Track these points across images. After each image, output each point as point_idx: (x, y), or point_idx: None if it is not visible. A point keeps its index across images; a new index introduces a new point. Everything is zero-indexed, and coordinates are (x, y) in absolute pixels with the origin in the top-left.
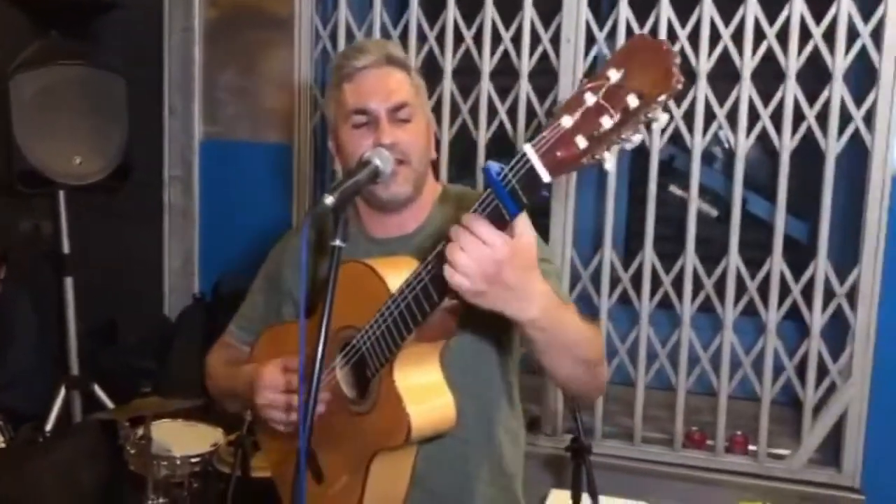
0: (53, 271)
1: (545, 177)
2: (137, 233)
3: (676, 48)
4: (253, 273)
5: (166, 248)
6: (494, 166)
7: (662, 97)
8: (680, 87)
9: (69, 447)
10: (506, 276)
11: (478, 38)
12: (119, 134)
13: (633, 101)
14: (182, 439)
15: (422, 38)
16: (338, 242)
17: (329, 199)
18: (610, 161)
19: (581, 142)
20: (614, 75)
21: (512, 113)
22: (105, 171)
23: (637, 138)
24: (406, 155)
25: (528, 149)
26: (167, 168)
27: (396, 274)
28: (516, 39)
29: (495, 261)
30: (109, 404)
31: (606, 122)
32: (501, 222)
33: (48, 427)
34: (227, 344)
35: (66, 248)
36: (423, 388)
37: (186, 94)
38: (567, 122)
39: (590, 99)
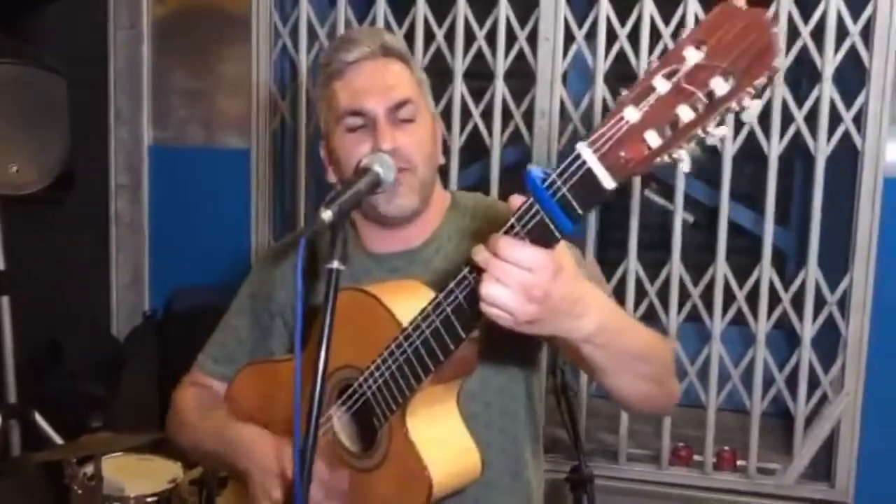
0: None
1: (607, 182)
2: (81, 246)
3: (659, 47)
4: (209, 288)
5: (113, 262)
6: (537, 172)
7: (760, 80)
8: (779, 66)
9: (6, 486)
10: (555, 297)
11: (450, 37)
12: (60, 139)
13: (720, 85)
14: (136, 476)
15: None
16: (335, 265)
17: (326, 214)
18: (687, 161)
19: (652, 138)
20: (693, 55)
21: (487, 116)
22: (45, 179)
23: (721, 131)
24: (410, 161)
25: (584, 148)
26: (113, 176)
27: (405, 303)
28: (491, 38)
29: (540, 285)
30: (53, 434)
31: (685, 114)
32: (549, 241)
33: None
34: (197, 383)
35: (1, 265)
36: (443, 438)
37: (134, 97)
38: (633, 114)
39: (662, 85)
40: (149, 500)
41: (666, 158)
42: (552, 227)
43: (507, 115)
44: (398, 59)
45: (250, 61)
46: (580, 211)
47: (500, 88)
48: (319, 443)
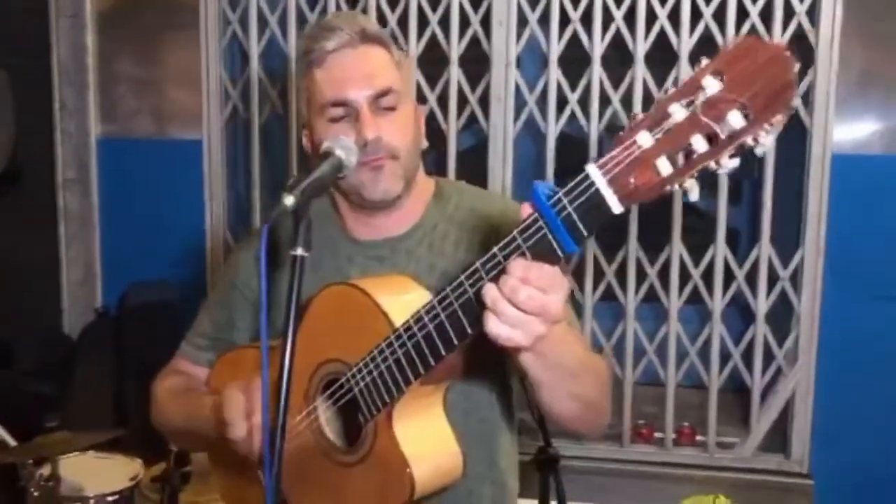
0: None
1: (615, 207)
2: (30, 242)
3: (612, 31)
4: (164, 282)
5: (63, 258)
6: (543, 188)
7: (777, 117)
8: (795, 105)
9: None
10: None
11: (403, 22)
12: (5, 134)
13: (737, 119)
14: (95, 475)
15: None
16: (299, 252)
17: (289, 200)
18: (695, 191)
19: (664, 166)
20: (711, 85)
21: (442, 101)
22: None
23: (733, 163)
24: (394, 149)
25: (593, 170)
26: (60, 170)
27: (396, 301)
28: (444, 23)
29: (557, 304)
30: (6, 436)
31: (699, 144)
32: (550, 259)
33: None
34: (176, 371)
35: None
36: (428, 439)
37: (79, 88)
38: (646, 140)
39: (678, 113)
40: (109, 498)
41: (676, 187)
42: (555, 245)
43: (462, 100)
44: (378, 44)
45: (199, 49)
46: (585, 232)
47: (454, 74)
48: (303, 433)
